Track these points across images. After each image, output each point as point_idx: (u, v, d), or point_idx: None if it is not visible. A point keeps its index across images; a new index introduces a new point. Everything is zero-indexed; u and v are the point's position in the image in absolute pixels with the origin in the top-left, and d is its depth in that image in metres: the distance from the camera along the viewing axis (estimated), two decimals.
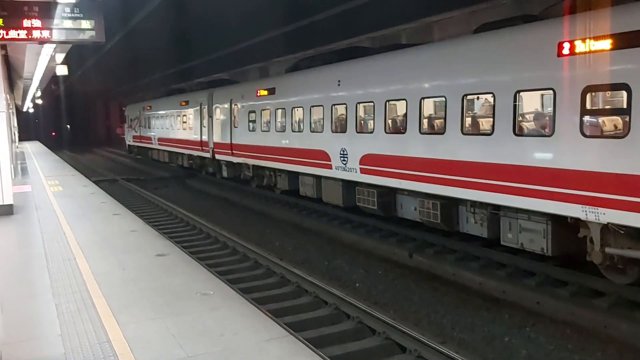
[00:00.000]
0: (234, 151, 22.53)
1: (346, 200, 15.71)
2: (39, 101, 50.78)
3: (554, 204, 9.30)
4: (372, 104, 13.90)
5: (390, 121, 13.43)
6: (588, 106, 8.78)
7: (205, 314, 6.91)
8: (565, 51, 8.95)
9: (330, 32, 21.50)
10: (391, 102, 13.40)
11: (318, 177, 16.87)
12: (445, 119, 11.59)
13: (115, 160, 46.73)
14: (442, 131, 11.73)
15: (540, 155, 9.61)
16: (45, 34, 9.93)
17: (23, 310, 7.20)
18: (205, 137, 25.87)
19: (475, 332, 9.06)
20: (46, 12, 9.80)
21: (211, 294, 7.67)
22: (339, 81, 15.31)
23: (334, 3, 18.98)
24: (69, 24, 9.90)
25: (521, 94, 9.98)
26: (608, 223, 8.54)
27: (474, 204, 11.42)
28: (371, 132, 13.96)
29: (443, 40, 15.36)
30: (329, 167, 15.68)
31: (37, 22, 9.74)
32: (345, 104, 14.97)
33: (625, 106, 8.21)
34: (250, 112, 20.86)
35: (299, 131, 17.38)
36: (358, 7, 18.40)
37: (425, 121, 12.32)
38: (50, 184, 20.83)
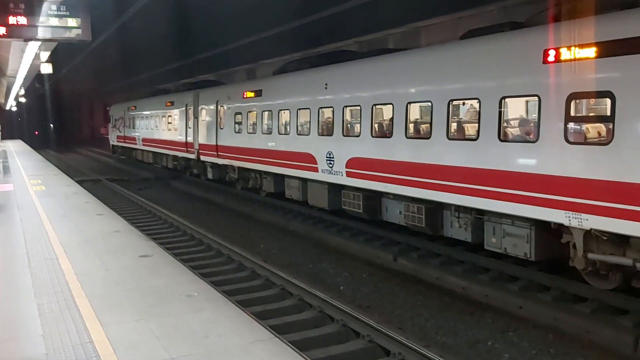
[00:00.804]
0: (219, 153, 22.46)
1: (332, 204, 15.72)
2: (23, 99, 50.26)
3: (538, 210, 9.38)
4: (358, 107, 13.93)
5: (376, 125, 13.47)
6: (572, 113, 8.88)
7: (190, 315, 6.87)
8: (551, 58, 9.05)
9: (318, 35, 21.54)
10: (378, 106, 13.45)
11: (304, 180, 16.87)
12: (431, 123, 11.65)
13: (99, 160, 46.37)
14: (427, 136, 11.79)
15: (525, 161, 9.69)
16: (31, 31, 9.82)
17: (4, 310, 7.11)
18: (190, 138, 25.76)
19: (459, 336, 9.10)
20: (32, 9, 9.69)
21: (195, 296, 7.63)
22: (326, 84, 15.33)
23: (322, 6, 19.00)
24: (55, 21, 9.80)
25: (506, 100, 10.06)
26: (591, 229, 8.63)
27: (459, 208, 11.49)
28: (357, 136, 13.99)
29: (430, 46, 15.45)
30: (315, 170, 15.69)
31: (22, 19, 9.63)
32: (332, 107, 15.00)
33: (609, 114, 8.31)
34: (236, 113, 20.81)
35: (285, 134, 17.37)
36: (346, 11, 18.44)
37: (411, 126, 12.38)
38: (33, 183, 20.61)
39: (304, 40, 22.46)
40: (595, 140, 8.91)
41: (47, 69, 21.61)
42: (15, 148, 47.38)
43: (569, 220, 8.87)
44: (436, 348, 8.25)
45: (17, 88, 35.67)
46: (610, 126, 8.31)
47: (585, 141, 8.92)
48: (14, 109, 63.96)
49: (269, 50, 25.58)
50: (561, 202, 8.95)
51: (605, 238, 8.58)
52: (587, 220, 8.61)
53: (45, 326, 6.47)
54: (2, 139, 54.16)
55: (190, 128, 25.74)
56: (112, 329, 6.40)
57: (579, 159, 8.74)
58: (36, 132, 77.52)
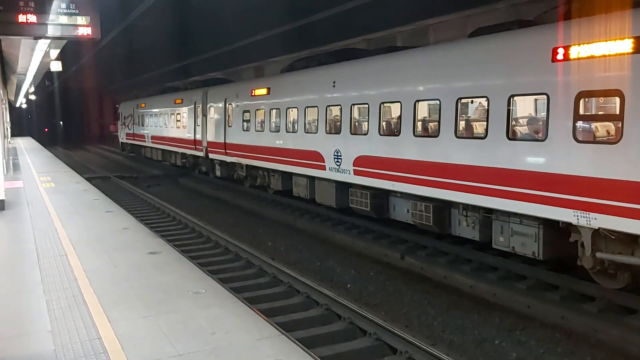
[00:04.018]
0: (227, 150, 22.50)
1: (339, 202, 15.72)
2: (32, 97, 50.58)
3: (546, 208, 9.35)
4: (366, 105, 13.92)
5: (384, 123, 13.46)
6: (581, 112, 8.84)
7: (197, 312, 6.90)
8: (560, 57, 9.01)
9: (327, 33, 21.51)
10: (386, 104, 13.43)
11: (311, 178, 16.88)
12: (439, 122, 11.63)
13: (108, 158, 46.58)
14: (436, 134, 11.76)
15: (533, 159, 9.66)
16: (41, 29, 9.87)
17: (13, 306, 7.17)
18: (199, 136, 25.83)
19: (466, 334, 9.09)
20: (42, 7, 9.74)
21: (203, 293, 7.67)
22: (334, 82, 15.33)
23: (331, 4, 18.99)
24: (64, 19, 9.84)
25: (515, 98, 10.02)
26: (599, 228, 8.59)
27: (467, 207, 11.46)
28: (365, 134, 13.98)
29: (438, 44, 15.41)
30: (323, 168, 15.69)
31: (32, 17, 9.67)
32: (339, 105, 14.99)
33: (618, 112, 8.27)
34: (244, 111, 20.84)
35: (293, 132, 17.38)
36: (354, 8, 18.42)
37: (419, 124, 12.36)
38: (43, 180, 20.74)
39: (312, 38, 22.45)
40: (604, 139, 8.87)
41: (56, 66, 21.69)
42: (25, 145, 47.67)
43: (577, 219, 8.83)
44: (443, 346, 8.24)
45: (27, 85, 35.90)
46: (619, 125, 8.27)
47: (594, 140, 8.88)
48: (24, 106, 64.39)
49: (277, 48, 25.58)
50: (569, 201, 8.92)
51: (613, 237, 8.54)
52: (595, 219, 8.58)
53: (54, 322, 6.52)
54: (12, 136, 54.52)
55: (198, 126, 25.80)
56: (120, 325, 6.44)
57: (588, 157, 8.70)
58: (46, 130, 77.99)
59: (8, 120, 43.04)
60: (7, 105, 40.54)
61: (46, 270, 8.67)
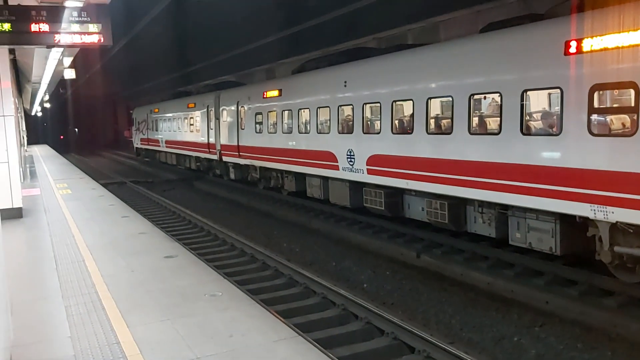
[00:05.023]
0: (241, 153, 22.58)
1: (353, 201, 15.71)
2: (47, 105, 51.11)
3: (562, 203, 9.27)
4: (378, 104, 13.89)
5: (397, 121, 13.43)
6: (596, 105, 8.76)
7: (214, 315, 6.93)
8: (572, 50, 8.93)
9: (337, 33, 21.52)
10: (398, 103, 13.40)
11: (325, 178, 16.88)
12: (452, 118, 11.58)
13: (123, 163, 46.90)
14: (449, 131, 11.71)
15: (548, 154, 9.58)
16: (53, 37, 9.97)
17: (33, 312, 7.25)
18: (212, 139, 25.94)
19: (484, 332, 9.03)
20: (54, 16, 9.83)
21: (219, 295, 7.70)
22: (346, 82, 15.32)
23: (340, 4, 18.98)
24: (76, 27, 9.92)
25: (528, 93, 9.95)
26: (617, 222, 8.50)
27: (482, 203, 11.40)
28: (378, 133, 13.95)
29: (449, 40, 15.34)
30: (336, 168, 15.69)
31: (44, 27, 9.76)
32: (351, 104, 14.98)
33: (633, 104, 8.18)
34: (256, 113, 20.90)
35: (305, 132, 17.40)
36: (364, 7, 18.40)
37: (432, 121, 12.31)
38: (59, 187, 20.93)
39: (322, 38, 22.45)
40: (620, 131, 8.78)
41: (70, 74, 21.92)
42: (41, 153, 48.14)
43: (594, 213, 8.75)
44: (461, 345, 8.21)
45: (42, 94, 36.30)
46: (635, 117, 8.18)
47: (609, 133, 8.79)
48: (39, 114, 65.09)
49: (288, 50, 25.62)
50: (586, 195, 8.84)
51: (631, 231, 8.44)
52: (612, 213, 8.49)
53: (73, 328, 6.58)
54: (28, 144, 55.15)
55: (212, 129, 25.92)
56: (138, 329, 6.48)
57: (603, 151, 8.62)
58: (61, 137, 78.77)
59: (24, 128, 43.52)
60: (22, 114, 40.99)
61: (64, 276, 8.76)
